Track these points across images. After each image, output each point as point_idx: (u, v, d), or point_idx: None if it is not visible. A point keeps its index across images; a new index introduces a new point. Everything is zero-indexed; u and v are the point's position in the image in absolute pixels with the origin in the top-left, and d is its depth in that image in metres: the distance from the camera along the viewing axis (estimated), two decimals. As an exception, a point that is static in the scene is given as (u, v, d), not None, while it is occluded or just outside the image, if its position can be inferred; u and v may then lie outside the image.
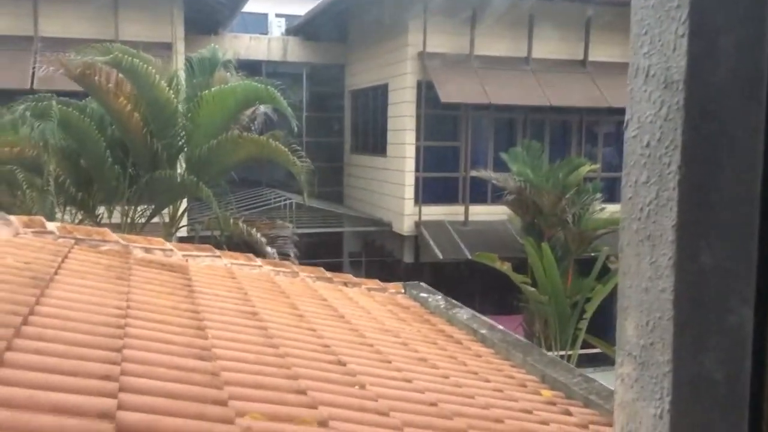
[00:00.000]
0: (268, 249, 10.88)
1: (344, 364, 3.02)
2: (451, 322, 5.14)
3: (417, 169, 16.74)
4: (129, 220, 11.34)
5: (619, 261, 1.04)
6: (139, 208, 11.59)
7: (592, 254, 13.87)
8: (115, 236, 4.55)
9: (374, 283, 6.04)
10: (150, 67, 10.45)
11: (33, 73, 14.01)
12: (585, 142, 17.91)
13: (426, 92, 16.36)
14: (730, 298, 0.88)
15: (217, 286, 4.09)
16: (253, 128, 12.70)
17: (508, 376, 3.89)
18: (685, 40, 0.84)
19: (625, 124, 1.01)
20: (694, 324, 0.91)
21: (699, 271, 0.90)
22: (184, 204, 12.69)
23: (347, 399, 2.53)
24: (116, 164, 10.88)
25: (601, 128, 18.10)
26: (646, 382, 0.98)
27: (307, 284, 5.24)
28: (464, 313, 5.24)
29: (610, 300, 11.65)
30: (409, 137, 16.71)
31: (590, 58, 17.06)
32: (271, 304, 3.99)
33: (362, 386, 2.77)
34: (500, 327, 5.01)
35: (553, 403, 3.50)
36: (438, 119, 17.35)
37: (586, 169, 14.59)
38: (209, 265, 4.77)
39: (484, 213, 16.66)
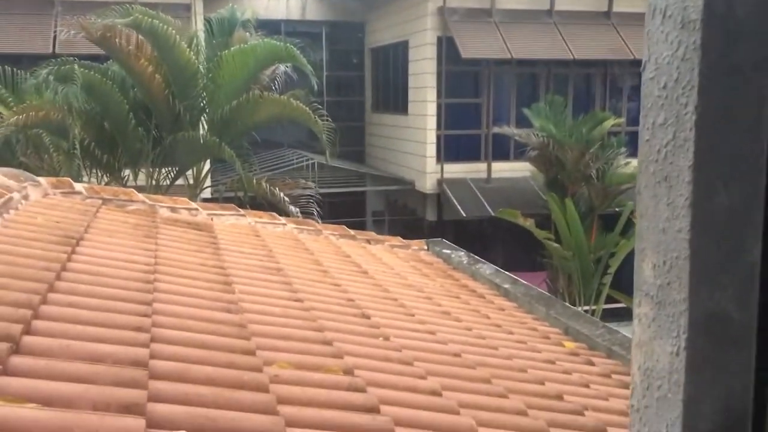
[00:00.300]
0: (292, 208, 10.96)
1: (368, 317, 3.08)
2: (474, 277, 5.18)
3: (438, 127, 16.64)
4: (154, 182, 11.47)
5: (637, 203, 1.05)
6: (163, 170, 11.71)
7: (617, 209, 13.78)
8: (141, 196, 4.62)
9: (397, 240, 6.08)
10: (170, 29, 10.45)
11: (54, 38, 14.07)
12: (609, 96, 17.64)
13: (447, 48, 16.16)
14: (744, 236, 0.89)
15: (242, 243, 4.16)
16: (273, 88, 12.69)
17: (531, 329, 3.93)
18: (701, -22, 0.84)
19: (642, 66, 1.01)
20: (710, 263, 0.92)
21: (715, 210, 0.91)
22: (207, 165, 12.79)
23: (372, 350, 2.59)
24: (139, 126, 10.97)
25: (626, 81, 17.78)
26: (663, 321, 1.00)
27: (330, 241, 5.30)
28: (487, 268, 5.27)
29: (634, 255, 11.58)
30: (431, 95, 16.58)
31: (614, 9, 16.69)
32: (295, 261, 4.05)
33: (386, 338, 2.82)
34: (523, 282, 5.04)
35: (576, 354, 3.54)
36: (459, 76, 17.16)
37: (611, 123, 14.39)
38: (234, 224, 4.83)
39: (506, 170, 16.57)
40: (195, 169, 12.27)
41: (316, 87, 11.49)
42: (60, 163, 10.41)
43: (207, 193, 14.46)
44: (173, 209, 4.62)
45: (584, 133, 14.11)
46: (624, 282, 12.72)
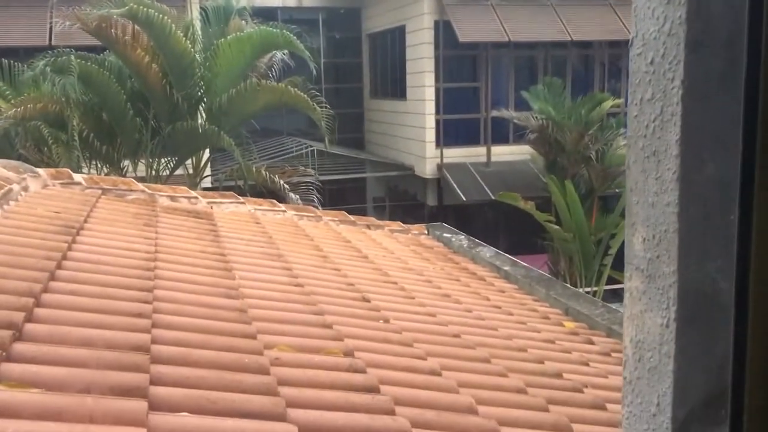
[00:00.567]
0: (292, 195, 10.97)
1: (368, 301, 3.10)
2: (474, 260, 5.20)
3: (437, 112, 16.60)
4: (153, 172, 11.47)
5: (626, 178, 1.06)
6: (162, 161, 11.71)
7: (617, 190, 13.78)
8: (140, 186, 4.64)
9: (397, 225, 6.10)
10: (166, 18, 10.41)
11: (50, 29, 14.03)
12: (608, 77, 17.58)
13: (444, 32, 16.09)
14: (731, 209, 0.90)
15: (242, 230, 4.17)
16: (271, 76, 12.66)
17: (531, 310, 3.96)
18: (685, -48, 0.84)
19: (630, 42, 1.02)
20: (698, 235, 0.93)
21: (703, 183, 0.92)
22: (206, 155, 12.78)
23: (372, 332, 2.61)
24: (138, 117, 10.95)
25: (625, 61, 17.70)
26: (653, 293, 1.01)
27: (330, 227, 5.32)
28: (487, 251, 5.29)
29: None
30: (429, 79, 16.53)
31: (612, -10, 16.61)
32: (295, 247, 4.07)
33: (386, 320, 2.84)
34: (523, 264, 5.06)
35: (576, 334, 3.56)
36: (457, 60, 17.11)
37: (609, 104, 14.36)
38: (233, 211, 4.85)
39: (506, 153, 16.55)
40: (194, 158, 12.26)
41: (315, 73, 11.45)
42: (59, 154, 10.41)
43: (207, 182, 14.47)
44: (173, 198, 4.63)
45: (583, 114, 14.08)
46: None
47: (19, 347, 1.70)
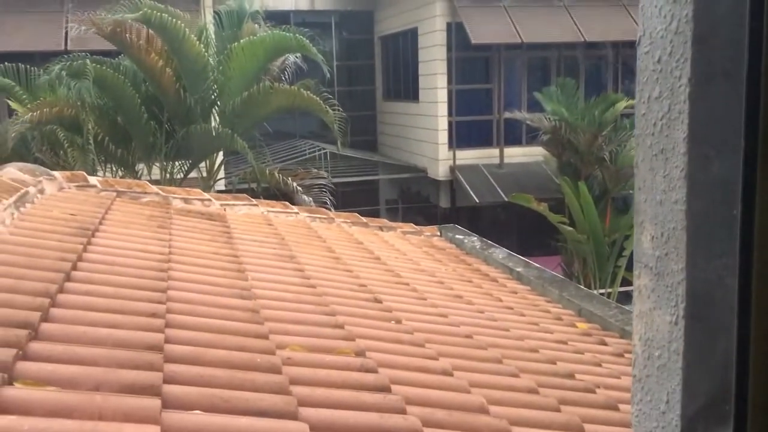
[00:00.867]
0: (304, 198, 11.01)
1: (380, 302, 3.11)
2: (486, 261, 5.19)
3: (450, 114, 16.59)
4: (167, 175, 11.55)
5: (635, 177, 1.06)
6: (176, 164, 11.78)
7: (630, 191, 13.70)
8: (154, 188, 4.68)
9: (409, 226, 6.10)
10: (179, 22, 10.49)
11: (66, 34, 14.16)
12: (622, 78, 17.50)
13: (456, 34, 16.09)
14: (738, 205, 0.90)
15: (255, 232, 4.20)
16: (283, 79, 12.71)
17: (543, 311, 3.95)
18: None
19: (637, 41, 1.03)
20: (706, 232, 0.93)
21: (710, 181, 0.92)
22: (220, 157, 12.85)
23: (384, 332, 2.62)
24: (152, 120, 11.03)
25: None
26: (662, 291, 1.01)
27: (342, 229, 5.33)
28: (500, 252, 5.29)
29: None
30: (441, 81, 16.53)
31: (624, -10, 16.53)
32: (307, 248, 4.09)
33: (398, 321, 2.85)
34: (536, 265, 5.05)
35: (589, 335, 3.55)
36: (469, 61, 17.09)
37: (623, 104, 14.28)
38: (247, 213, 4.88)
39: (519, 155, 16.51)
40: (208, 161, 12.33)
41: (327, 75, 11.49)
42: (75, 158, 10.51)
43: (221, 185, 14.54)
44: (186, 200, 4.67)
45: (596, 115, 14.01)
46: (639, 264, 12.63)
47: (35, 346, 1.73)
